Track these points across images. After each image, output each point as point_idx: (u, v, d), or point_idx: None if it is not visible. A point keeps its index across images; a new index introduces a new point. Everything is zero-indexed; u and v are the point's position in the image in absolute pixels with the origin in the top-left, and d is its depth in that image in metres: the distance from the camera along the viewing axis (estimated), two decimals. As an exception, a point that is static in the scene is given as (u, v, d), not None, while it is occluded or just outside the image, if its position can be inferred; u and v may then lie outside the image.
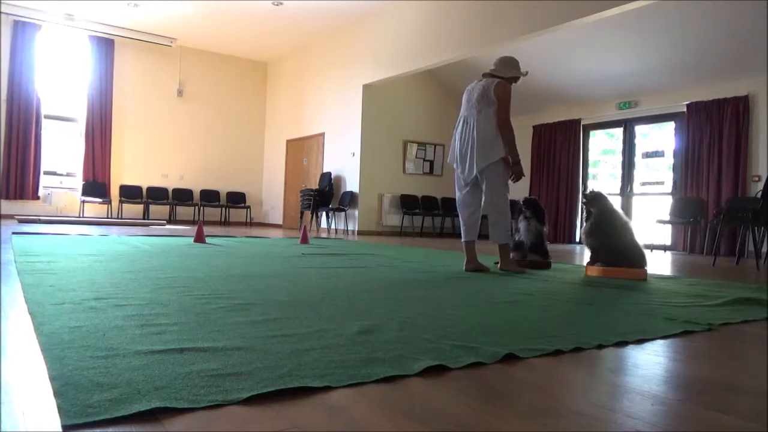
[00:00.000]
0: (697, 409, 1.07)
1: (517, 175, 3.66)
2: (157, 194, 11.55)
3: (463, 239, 3.79)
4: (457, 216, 3.94)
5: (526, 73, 3.89)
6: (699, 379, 1.29)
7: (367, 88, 10.10)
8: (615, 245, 3.63)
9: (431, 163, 11.05)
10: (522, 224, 4.24)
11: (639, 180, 9.28)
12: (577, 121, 9.87)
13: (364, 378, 1.16)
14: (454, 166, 3.87)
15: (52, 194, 10.51)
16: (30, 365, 1.17)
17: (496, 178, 3.65)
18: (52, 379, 1.06)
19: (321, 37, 11.14)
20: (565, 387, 1.19)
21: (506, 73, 3.78)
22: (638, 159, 9.31)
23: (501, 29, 7.42)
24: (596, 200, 3.78)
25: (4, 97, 10.11)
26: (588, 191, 3.89)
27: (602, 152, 10.07)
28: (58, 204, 10.50)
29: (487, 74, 3.81)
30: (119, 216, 11.04)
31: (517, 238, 4.26)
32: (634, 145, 9.37)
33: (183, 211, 11.91)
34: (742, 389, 1.22)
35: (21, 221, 8.63)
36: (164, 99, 11.84)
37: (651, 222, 8.49)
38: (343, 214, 10.47)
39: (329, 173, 10.68)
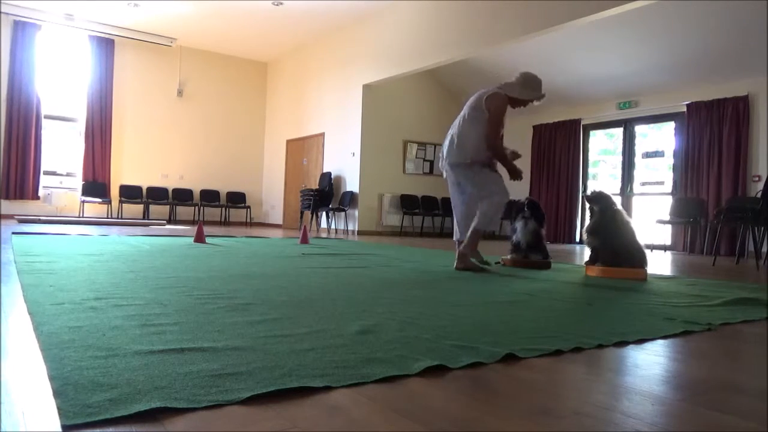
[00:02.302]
0: (697, 409, 1.07)
1: (514, 174, 3.77)
2: (157, 194, 11.55)
3: (454, 237, 3.88)
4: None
5: (539, 98, 3.66)
6: (699, 379, 1.29)
7: (367, 88, 10.10)
8: (616, 245, 3.62)
9: (431, 163, 11.06)
10: (519, 224, 4.22)
11: (639, 180, 9.28)
12: (577, 121, 9.87)
13: (364, 378, 1.16)
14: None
15: (52, 194, 10.51)
16: (30, 365, 1.17)
17: (471, 176, 3.73)
18: (52, 379, 1.06)
19: (321, 37, 11.14)
20: (565, 387, 1.19)
21: (511, 91, 3.67)
22: (638, 159, 9.31)
23: (501, 29, 7.42)
24: (599, 199, 3.77)
25: (4, 97, 10.11)
26: (591, 191, 3.86)
27: (602, 152, 10.08)
28: (58, 204, 10.50)
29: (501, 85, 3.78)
30: (119, 216, 11.04)
31: (513, 239, 4.24)
32: (634, 145, 9.37)
33: (183, 211, 11.91)
34: (742, 389, 1.22)
35: (21, 221, 8.63)
36: (164, 99, 11.84)
37: (651, 222, 8.49)
38: (343, 214, 10.47)
39: (329, 173, 10.69)
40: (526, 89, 3.62)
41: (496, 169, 3.85)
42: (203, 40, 11.62)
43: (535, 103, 3.71)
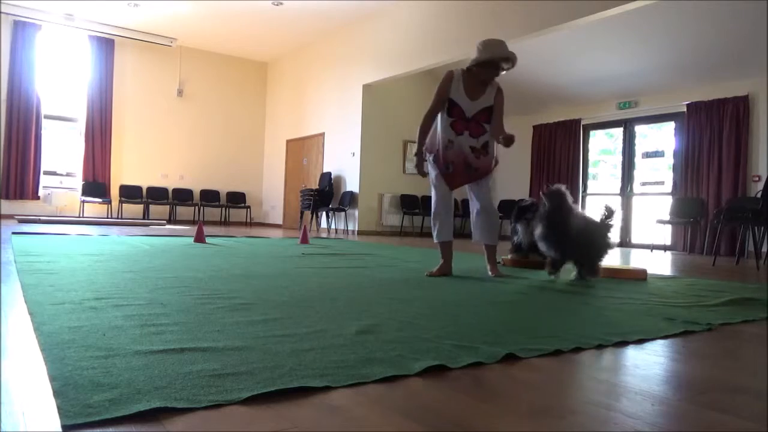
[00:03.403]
0: (697, 409, 1.07)
1: (441, 163, 3.37)
2: (157, 194, 11.55)
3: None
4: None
5: (502, 57, 3.24)
6: (699, 379, 1.29)
7: (367, 88, 10.10)
8: (577, 249, 3.19)
9: (431, 163, 11.05)
10: (521, 226, 4.22)
11: (639, 180, 9.28)
12: (577, 121, 9.87)
13: (363, 378, 1.16)
14: None
15: (52, 194, 10.50)
16: (30, 365, 1.17)
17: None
18: (52, 379, 1.06)
19: (321, 37, 11.14)
20: (565, 387, 1.19)
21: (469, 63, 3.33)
22: (638, 159, 9.32)
23: (501, 29, 7.42)
24: (552, 197, 3.20)
25: (4, 97, 10.11)
26: (548, 186, 3.28)
27: (602, 152, 10.08)
28: (58, 204, 10.50)
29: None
30: (119, 216, 11.04)
31: (515, 240, 4.24)
32: (634, 145, 9.37)
33: (183, 211, 11.91)
34: (742, 389, 1.22)
35: (21, 221, 8.63)
36: (164, 99, 11.83)
37: (651, 222, 8.49)
38: (343, 214, 10.47)
39: (329, 173, 10.68)
40: (484, 52, 3.24)
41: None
42: (203, 40, 11.61)
43: (504, 66, 3.27)
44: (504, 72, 3.35)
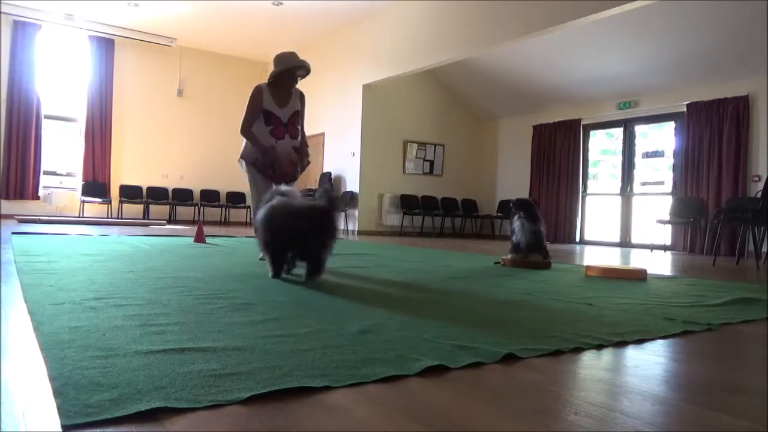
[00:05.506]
0: (697, 409, 1.07)
1: (265, 168, 3.66)
2: (157, 194, 11.55)
3: None
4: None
5: (297, 65, 3.67)
6: (699, 379, 1.29)
7: (367, 88, 10.10)
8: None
9: (431, 163, 11.06)
10: (517, 224, 4.21)
11: (639, 180, 9.28)
12: (577, 121, 9.87)
13: (364, 378, 1.16)
14: None
15: (52, 194, 10.50)
16: (30, 365, 1.17)
17: (247, 175, 3.76)
18: (52, 379, 1.06)
19: (321, 37, 11.13)
20: (565, 387, 1.19)
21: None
22: (638, 159, 9.32)
23: (501, 29, 7.42)
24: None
25: (4, 97, 10.11)
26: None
27: (602, 152, 10.08)
28: (58, 204, 10.49)
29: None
30: (119, 216, 11.04)
31: (513, 240, 4.24)
32: (634, 145, 9.37)
33: (183, 211, 11.91)
34: (742, 389, 1.22)
35: (21, 221, 8.63)
36: (164, 99, 11.83)
37: (651, 222, 8.49)
38: (343, 214, 10.47)
39: (329, 173, 10.68)
40: (280, 65, 3.71)
41: (272, 171, 3.64)
42: (203, 40, 11.61)
43: (298, 73, 3.74)
44: (300, 78, 3.82)
